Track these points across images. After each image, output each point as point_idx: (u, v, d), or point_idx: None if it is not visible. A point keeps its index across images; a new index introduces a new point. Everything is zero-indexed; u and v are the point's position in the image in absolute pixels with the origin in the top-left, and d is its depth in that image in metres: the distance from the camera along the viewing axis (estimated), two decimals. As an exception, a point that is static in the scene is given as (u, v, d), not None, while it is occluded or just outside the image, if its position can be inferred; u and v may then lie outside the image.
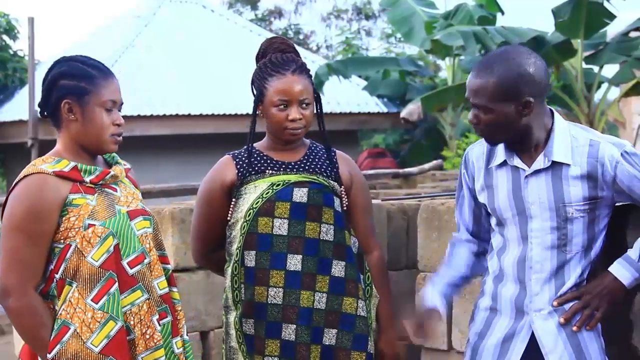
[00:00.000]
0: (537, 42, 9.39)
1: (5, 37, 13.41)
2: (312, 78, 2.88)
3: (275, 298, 2.68)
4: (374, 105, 13.24)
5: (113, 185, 2.42)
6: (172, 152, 11.71)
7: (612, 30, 10.03)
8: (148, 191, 6.20)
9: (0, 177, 14.89)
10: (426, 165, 7.60)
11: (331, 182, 2.77)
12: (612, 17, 9.05)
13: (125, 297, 2.35)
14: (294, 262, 2.68)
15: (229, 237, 2.78)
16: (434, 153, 12.42)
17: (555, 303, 2.40)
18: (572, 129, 2.44)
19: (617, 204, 2.46)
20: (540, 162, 2.40)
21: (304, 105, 2.74)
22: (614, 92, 11.13)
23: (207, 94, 12.14)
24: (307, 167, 2.78)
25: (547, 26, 10.12)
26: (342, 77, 12.08)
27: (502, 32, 9.42)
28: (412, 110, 11.81)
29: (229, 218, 2.77)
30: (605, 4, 8.95)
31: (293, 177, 2.74)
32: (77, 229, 2.32)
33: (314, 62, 13.22)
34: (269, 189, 2.72)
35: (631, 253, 2.39)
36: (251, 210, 2.71)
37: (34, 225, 2.29)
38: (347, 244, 2.74)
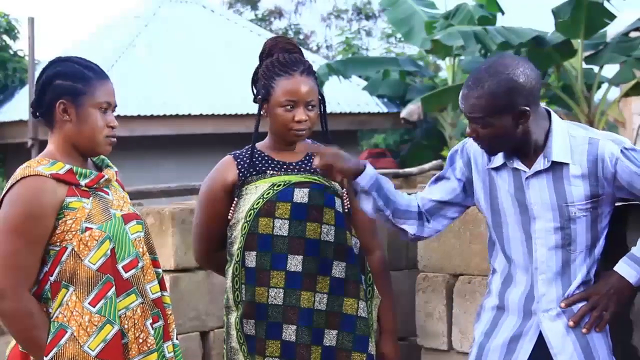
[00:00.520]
0: (537, 42, 9.39)
1: (5, 37, 13.42)
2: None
3: (275, 299, 2.68)
4: (374, 105, 13.24)
5: (105, 189, 2.41)
6: (172, 152, 11.71)
7: (612, 31, 10.03)
8: (148, 191, 6.19)
9: (0, 177, 14.88)
10: (426, 166, 7.60)
11: (332, 182, 2.77)
12: (612, 17, 9.05)
13: (120, 300, 2.33)
14: (295, 262, 2.68)
15: (230, 238, 2.77)
16: (434, 153, 12.42)
17: (563, 304, 2.40)
18: (571, 128, 2.44)
19: (617, 204, 2.46)
20: (540, 163, 2.41)
21: (310, 107, 2.74)
22: (614, 92, 11.13)
23: (207, 94, 12.14)
24: (308, 168, 2.78)
25: (547, 26, 10.11)
26: (342, 77, 12.08)
27: (503, 32, 9.41)
28: (412, 110, 11.81)
29: (229, 218, 2.77)
30: (606, 4, 8.95)
31: (294, 178, 2.74)
32: (74, 232, 2.30)
33: (314, 62, 13.18)
34: (270, 189, 2.72)
35: (635, 251, 2.39)
36: (252, 211, 2.71)
37: (31, 229, 2.27)
38: (348, 245, 2.73)
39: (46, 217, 2.28)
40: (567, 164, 2.39)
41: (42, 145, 10.45)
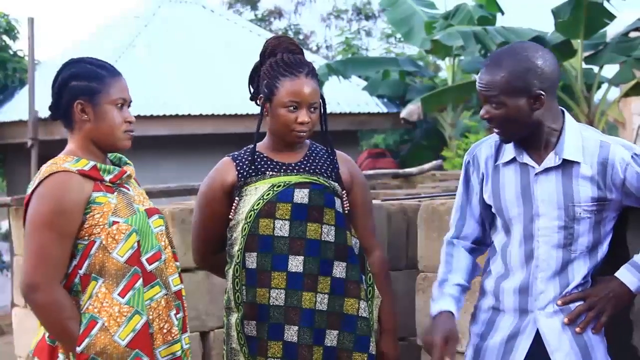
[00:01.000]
0: (537, 42, 9.38)
1: (5, 37, 13.40)
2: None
3: (277, 300, 2.68)
4: (374, 105, 13.23)
5: (126, 185, 2.50)
6: (172, 152, 11.71)
7: (612, 31, 10.03)
8: (148, 191, 6.16)
9: (0, 178, 14.87)
10: (426, 166, 7.59)
11: (332, 182, 2.77)
12: (612, 17, 9.05)
13: (145, 292, 2.41)
14: (296, 263, 2.68)
15: (230, 239, 2.77)
16: (434, 153, 12.41)
17: (559, 302, 2.40)
18: (583, 129, 2.45)
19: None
20: (551, 159, 2.40)
21: (313, 108, 2.74)
22: (614, 93, 11.13)
23: (207, 94, 12.13)
24: (307, 168, 2.77)
25: (547, 26, 10.10)
26: (342, 77, 12.07)
27: (502, 32, 9.41)
28: (412, 110, 11.81)
29: (230, 218, 2.76)
30: (605, 4, 8.95)
31: (294, 178, 2.73)
32: (101, 226, 2.39)
33: (314, 62, 13.15)
34: (270, 190, 2.72)
35: (638, 258, 2.39)
36: (252, 212, 2.71)
37: (61, 223, 2.35)
38: (348, 245, 2.73)
39: (75, 211, 2.37)
40: (577, 163, 2.39)
41: (42, 145, 10.46)
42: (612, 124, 12.41)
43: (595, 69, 10.14)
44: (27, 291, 2.36)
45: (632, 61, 9.41)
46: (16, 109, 12.06)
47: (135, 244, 2.41)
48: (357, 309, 2.71)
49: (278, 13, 24.63)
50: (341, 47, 20.48)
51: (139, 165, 2.87)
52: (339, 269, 2.71)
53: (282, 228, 2.69)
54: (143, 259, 2.42)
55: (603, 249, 2.45)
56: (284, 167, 2.77)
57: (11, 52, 13.37)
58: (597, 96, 10.39)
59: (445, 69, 13.69)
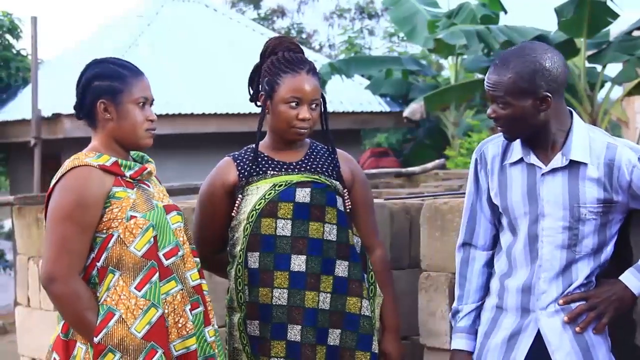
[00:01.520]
0: (540, 41, 9.37)
1: (8, 36, 13.41)
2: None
3: (280, 299, 2.68)
4: (377, 104, 13.22)
5: (147, 182, 2.55)
6: (175, 151, 11.71)
7: (615, 30, 10.01)
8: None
9: (3, 176, 14.89)
10: (429, 165, 7.59)
11: (333, 181, 2.77)
12: (615, 16, 9.03)
13: (161, 286, 2.45)
14: (298, 262, 2.68)
15: (232, 239, 2.77)
16: (436, 152, 12.40)
17: (561, 302, 2.41)
18: (591, 130, 2.44)
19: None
20: (558, 160, 2.40)
21: (314, 106, 2.74)
22: (617, 91, 11.11)
23: (210, 93, 12.14)
24: (308, 167, 2.77)
25: (550, 25, 10.09)
26: (344, 76, 12.07)
27: (505, 31, 9.40)
28: (414, 109, 11.80)
29: (233, 216, 2.77)
30: (609, 3, 8.94)
31: (295, 178, 2.73)
32: (119, 220, 2.44)
33: (316, 61, 13.19)
34: (271, 189, 2.72)
35: None
36: (254, 212, 2.71)
37: (82, 215, 2.41)
38: (350, 244, 2.73)
39: (95, 205, 2.43)
40: (584, 164, 2.39)
41: (45, 144, 10.47)
42: (615, 123, 12.40)
43: (599, 67, 10.12)
44: (46, 282, 2.42)
45: (635, 60, 9.40)
46: (19, 107, 12.08)
47: (152, 239, 2.46)
48: (359, 308, 2.71)
49: (281, 12, 24.63)
50: (344, 46, 20.48)
51: (142, 164, 2.91)
52: (341, 268, 2.71)
53: (284, 227, 2.69)
54: (160, 254, 2.47)
55: (607, 251, 2.44)
56: (285, 166, 2.77)
57: (14, 51, 13.39)
58: (600, 95, 10.38)
59: (448, 68, 13.68)
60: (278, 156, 2.79)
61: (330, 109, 13.38)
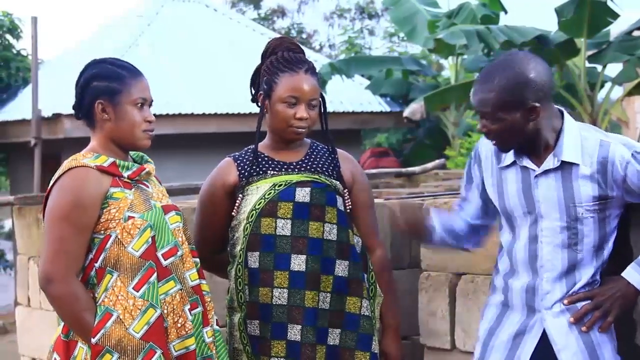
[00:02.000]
0: (540, 41, 9.38)
1: (8, 36, 13.41)
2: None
3: (280, 299, 2.68)
4: (377, 104, 13.22)
5: (145, 182, 2.55)
6: (174, 151, 11.71)
7: (616, 30, 10.01)
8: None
9: (3, 176, 14.89)
10: (429, 165, 7.59)
11: (333, 181, 2.77)
12: (615, 16, 9.03)
13: (160, 287, 2.45)
14: (298, 262, 2.68)
15: (232, 239, 2.78)
16: (436, 152, 12.40)
17: (566, 301, 2.41)
18: (583, 129, 2.45)
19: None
20: (549, 162, 2.41)
21: (312, 105, 2.74)
22: (617, 91, 11.11)
23: (210, 93, 12.13)
24: (308, 167, 2.78)
25: (550, 25, 10.09)
26: (344, 76, 12.06)
27: (505, 31, 9.40)
28: (415, 109, 11.80)
29: (233, 215, 2.77)
30: (609, 3, 8.93)
31: (295, 177, 2.73)
32: (117, 221, 2.44)
33: (316, 61, 13.20)
34: (271, 189, 2.72)
35: None
36: (254, 212, 2.71)
37: (79, 216, 2.41)
38: (350, 243, 2.73)
39: (92, 205, 2.43)
40: (577, 164, 2.39)
41: (45, 144, 10.47)
42: (616, 122, 12.40)
43: (599, 67, 10.12)
44: (43, 283, 2.42)
45: (635, 60, 9.40)
46: (19, 108, 12.07)
47: (150, 239, 2.45)
48: (359, 307, 2.71)
49: (281, 12, 24.63)
50: (344, 46, 20.48)
51: (142, 164, 2.91)
52: (341, 268, 2.71)
53: (284, 227, 2.69)
54: (159, 254, 2.47)
55: (609, 246, 2.45)
56: (285, 166, 2.77)
57: (14, 51, 13.39)
58: (601, 95, 10.38)
59: (449, 68, 13.68)
60: (278, 156, 2.79)
61: (330, 109, 13.42)
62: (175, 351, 2.47)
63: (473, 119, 13.29)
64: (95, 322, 2.40)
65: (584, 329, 2.39)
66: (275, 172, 2.76)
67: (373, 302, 2.79)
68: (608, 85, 10.40)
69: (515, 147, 2.44)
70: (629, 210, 2.49)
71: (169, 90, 11.80)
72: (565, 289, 2.42)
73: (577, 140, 2.41)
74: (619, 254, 2.47)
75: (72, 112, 2.60)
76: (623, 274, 2.40)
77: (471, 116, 13.38)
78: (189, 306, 2.51)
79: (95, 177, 2.44)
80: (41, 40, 10.52)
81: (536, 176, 2.43)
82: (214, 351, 2.56)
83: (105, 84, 2.49)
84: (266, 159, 2.79)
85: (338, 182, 2.77)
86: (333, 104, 12.60)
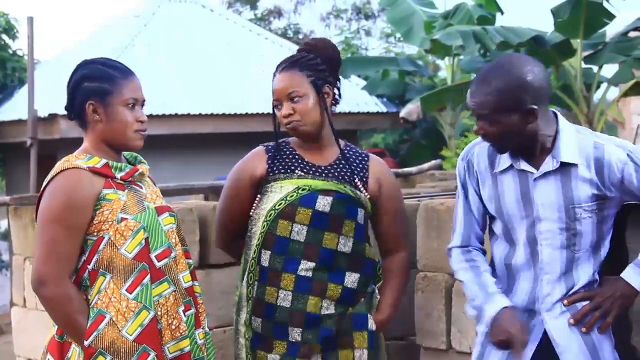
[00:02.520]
0: (536, 42, 9.39)
1: (4, 36, 13.40)
2: (325, 68, 2.82)
3: (284, 300, 2.70)
4: (373, 105, 13.23)
5: (139, 183, 2.53)
6: (171, 151, 11.70)
7: (612, 30, 10.03)
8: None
9: (-1, 177, 14.86)
10: (425, 165, 7.59)
11: (358, 193, 2.76)
12: (611, 17, 9.05)
13: (153, 288, 2.44)
14: (306, 268, 2.70)
15: (250, 231, 2.79)
16: (433, 153, 12.41)
17: (565, 302, 2.41)
18: (578, 130, 2.45)
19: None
20: (549, 164, 2.40)
21: (295, 99, 2.74)
22: (613, 92, 11.13)
23: (206, 94, 12.13)
24: (336, 174, 2.77)
25: (546, 26, 10.10)
26: (341, 76, 12.05)
27: (502, 32, 9.40)
28: (411, 110, 11.80)
29: (254, 207, 2.79)
30: (605, 4, 8.95)
31: (320, 184, 2.74)
32: (110, 222, 2.42)
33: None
34: (294, 192, 2.72)
35: None
36: (273, 211, 2.72)
37: (71, 218, 2.39)
38: (366, 256, 2.76)
39: (85, 207, 2.41)
40: (575, 165, 2.39)
41: (41, 144, 10.45)
42: (612, 123, 12.42)
43: (595, 68, 10.14)
44: (36, 285, 2.40)
45: (631, 61, 9.41)
46: (15, 108, 12.06)
47: (144, 241, 2.44)
48: (362, 312, 2.77)
49: (277, 12, 24.62)
50: (341, 47, 20.49)
51: (138, 164, 2.91)
52: (351, 279, 2.73)
53: (299, 232, 2.70)
54: (152, 256, 2.45)
55: (605, 245, 2.45)
56: (313, 169, 2.77)
57: (10, 52, 13.37)
58: (597, 96, 10.40)
59: (445, 69, 13.69)
60: (308, 156, 2.80)
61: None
62: (170, 353, 2.46)
63: (469, 120, 13.31)
64: (88, 324, 2.38)
65: (584, 329, 2.39)
66: (302, 174, 2.76)
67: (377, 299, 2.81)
68: (604, 86, 10.41)
69: (511, 149, 2.43)
70: (623, 209, 2.50)
71: (166, 91, 11.79)
72: (564, 290, 2.42)
73: (574, 141, 2.41)
74: (615, 253, 2.47)
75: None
76: (622, 275, 2.40)
77: (467, 117, 13.39)
78: (182, 307, 2.50)
79: (87, 179, 2.42)
80: (38, 41, 10.51)
81: (535, 179, 2.42)
82: (205, 353, 2.56)
83: (96, 84, 2.47)
84: (297, 157, 2.80)
85: (363, 194, 2.77)
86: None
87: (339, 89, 2.81)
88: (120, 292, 2.40)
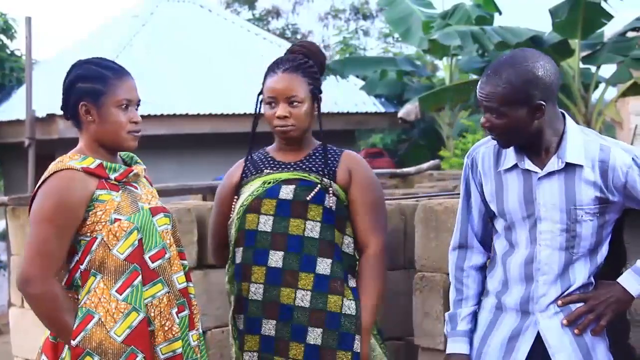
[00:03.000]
0: (534, 42, 9.40)
1: (2, 36, 13.39)
2: (321, 76, 2.84)
3: (255, 294, 2.71)
4: (372, 105, 13.23)
5: (134, 184, 2.52)
6: (169, 151, 11.70)
7: (610, 31, 10.04)
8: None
9: (-3, 177, 14.85)
10: (424, 165, 7.61)
11: (325, 180, 2.76)
12: (609, 17, 9.06)
13: (147, 289, 2.43)
14: (275, 258, 2.70)
15: (230, 235, 2.82)
16: (431, 153, 12.43)
17: (559, 303, 2.40)
18: (584, 132, 2.44)
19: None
20: (554, 164, 2.39)
21: (294, 103, 2.74)
22: (611, 92, 11.14)
23: (204, 94, 12.13)
24: (303, 167, 2.78)
25: (544, 26, 10.12)
26: (339, 77, 12.08)
27: (500, 32, 9.42)
28: (409, 110, 11.81)
29: (230, 215, 2.83)
30: (603, 4, 8.95)
31: (284, 175, 2.76)
32: (103, 223, 2.41)
33: (311, 61, 13.18)
34: (260, 186, 2.76)
35: None
36: (241, 208, 2.76)
37: (62, 218, 2.39)
38: (335, 242, 2.72)
39: (76, 207, 2.40)
40: (580, 166, 2.38)
41: (39, 144, 10.44)
42: (610, 123, 12.43)
43: (593, 68, 10.14)
44: (21, 283, 2.39)
45: (629, 61, 9.42)
46: (14, 108, 12.05)
47: (136, 242, 2.43)
48: (340, 306, 2.69)
49: (276, 12, 24.63)
50: (339, 47, 20.50)
51: (137, 164, 2.92)
52: (323, 266, 2.70)
53: (266, 223, 2.71)
54: (146, 257, 2.44)
55: (603, 250, 2.44)
56: (282, 166, 2.79)
57: (8, 52, 13.37)
58: (595, 96, 10.41)
59: (443, 69, 13.71)
60: (279, 156, 2.82)
61: (325, 109, 13.36)
62: (162, 354, 2.44)
63: (468, 120, 13.31)
64: (76, 324, 2.37)
65: (576, 331, 2.39)
66: (270, 171, 2.78)
67: (358, 302, 2.76)
68: (602, 86, 10.42)
69: (516, 144, 2.42)
70: (623, 213, 2.49)
71: (164, 91, 11.79)
72: (559, 291, 2.42)
73: (580, 142, 2.40)
74: (613, 255, 2.47)
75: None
76: (619, 280, 2.40)
77: (466, 117, 13.40)
78: (176, 309, 2.48)
79: (80, 180, 2.41)
80: (36, 41, 10.50)
81: (539, 178, 2.42)
82: (198, 355, 2.55)
83: (89, 85, 2.45)
84: (269, 158, 2.82)
85: (331, 181, 2.77)
86: (328, 105, 12.58)
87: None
88: (110, 293, 2.38)
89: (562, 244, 2.40)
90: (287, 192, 2.72)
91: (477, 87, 2.41)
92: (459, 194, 2.71)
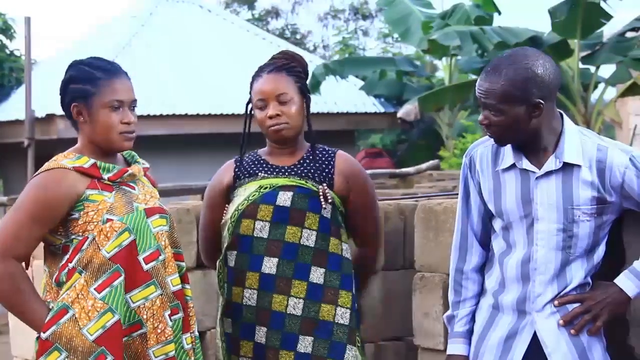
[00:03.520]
0: (533, 42, 9.40)
1: (1, 36, 13.40)
2: (306, 79, 2.86)
3: (249, 300, 2.71)
4: (371, 105, 13.23)
5: (131, 184, 2.50)
6: (168, 152, 11.70)
7: (609, 31, 10.04)
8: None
9: (-4, 177, 14.85)
10: (423, 165, 7.61)
11: (322, 187, 2.75)
12: (608, 17, 9.06)
13: (140, 291, 2.41)
14: (270, 265, 2.69)
15: (222, 238, 2.80)
16: (431, 153, 12.42)
17: (556, 303, 2.40)
18: (582, 132, 2.44)
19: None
20: (551, 163, 2.39)
21: (284, 101, 2.74)
22: (611, 93, 11.14)
23: (204, 94, 12.13)
24: (299, 172, 2.77)
25: (543, 26, 10.13)
26: (339, 77, 12.08)
27: (499, 32, 9.42)
28: (409, 110, 11.82)
29: (224, 214, 2.80)
30: (602, 4, 8.96)
31: (281, 181, 2.74)
32: (95, 223, 2.40)
33: (311, 62, 13.19)
34: (256, 191, 2.74)
35: (637, 265, 2.39)
36: (236, 212, 2.75)
37: (39, 210, 2.39)
38: (330, 251, 2.71)
39: (56, 205, 2.39)
40: (578, 166, 2.38)
41: (39, 144, 10.44)
42: (609, 124, 12.43)
43: (592, 69, 10.15)
44: None
45: (628, 61, 9.42)
46: (13, 108, 12.06)
47: (126, 243, 2.40)
48: (333, 316, 2.68)
49: (275, 13, 24.63)
50: (338, 47, 20.50)
51: (136, 165, 2.91)
52: (317, 275, 2.69)
53: (262, 229, 2.70)
54: (140, 258, 2.42)
55: (600, 251, 2.44)
56: (277, 170, 2.77)
57: (8, 52, 13.38)
58: (594, 96, 10.41)
59: (442, 69, 13.72)
60: (273, 159, 2.80)
61: (324, 109, 13.41)
62: (155, 357, 2.42)
63: (467, 120, 13.31)
64: (49, 317, 2.35)
65: (572, 331, 2.39)
66: (265, 175, 2.77)
67: (353, 312, 2.73)
68: (601, 86, 10.43)
69: (513, 142, 2.42)
70: (622, 213, 2.49)
71: (163, 91, 11.80)
72: (556, 291, 2.42)
73: (578, 142, 2.40)
74: (611, 255, 2.47)
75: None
76: (615, 281, 2.40)
77: (465, 117, 13.40)
78: (169, 312, 2.45)
79: (68, 179, 2.40)
80: (35, 41, 10.50)
81: (537, 178, 2.41)
82: (192, 358, 2.52)
83: (80, 86, 2.44)
84: (262, 161, 2.81)
85: (328, 189, 2.75)
86: (327, 105, 12.60)
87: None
88: (89, 290, 2.36)
89: (559, 244, 2.40)
90: (284, 199, 2.71)
91: (477, 83, 2.41)
92: (457, 194, 2.70)
